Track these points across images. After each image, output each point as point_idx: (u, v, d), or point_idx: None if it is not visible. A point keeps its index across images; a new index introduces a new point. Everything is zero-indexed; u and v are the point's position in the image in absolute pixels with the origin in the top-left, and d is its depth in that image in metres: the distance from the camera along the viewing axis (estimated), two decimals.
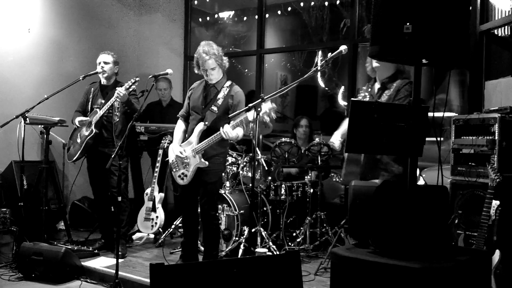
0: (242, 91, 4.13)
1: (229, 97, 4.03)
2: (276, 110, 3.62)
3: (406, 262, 2.28)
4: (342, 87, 6.84)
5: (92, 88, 4.95)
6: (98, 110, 4.75)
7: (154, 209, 5.13)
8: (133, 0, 7.02)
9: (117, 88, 4.56)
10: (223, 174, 4.41)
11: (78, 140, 4.82)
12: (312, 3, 7.06)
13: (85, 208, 5.89)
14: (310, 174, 4.98)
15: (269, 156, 5.05)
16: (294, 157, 5.08)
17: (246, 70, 7.90)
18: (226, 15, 7.94)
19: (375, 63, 3.57)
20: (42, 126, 5.01)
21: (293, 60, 7.82)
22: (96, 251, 4.70)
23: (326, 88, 7.53)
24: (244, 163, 4.89)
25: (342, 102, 6.79)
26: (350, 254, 2.47)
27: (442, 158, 2.87)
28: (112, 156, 3.83)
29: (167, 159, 4.38)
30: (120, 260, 3.82)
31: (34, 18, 5.83)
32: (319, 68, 3.68)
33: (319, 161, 4.90)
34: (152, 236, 5.36)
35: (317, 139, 4.95)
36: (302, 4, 7.19)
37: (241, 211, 4.60)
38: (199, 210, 4.21)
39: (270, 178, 4.95)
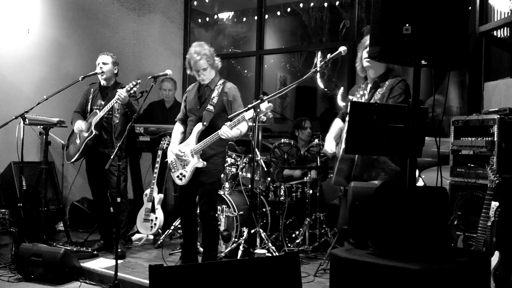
0: (235, 86, 4.17)
1: (223, 94, 4.06)
2: (272, 109, 3.66)
3: (406, 263, 2.27)
4: (342, 88, 6.84)
5: (92, 89, 4.95)
6: (97, 111, 4.74)
7: (153, 210, 5.13)
8: (133, 1, 7.02)
9: (118, 90, 4.55)
10: (221, 174, 4.40)
11: (78, 141, 4.82)
12: (312, 4, 7.06)
13: (84, 209, 5.89)
14: (309, 175, 4.98)
15: (269, 157, 5.05)
16: (293, 158, 5.08)
17: (246, 71, 7.90)
18: (225, 16, 7.95)
19: (365, 63, 3.54)
20: (42, 126, 5.00)
21: (292, 61, 7.82)
22: (95, 252, 4.69)
23: (326, 89, 7.53)
24: (244, 164, 4.89)
25: (341, 103, 6.78)
26: (350, 256, 2.47)
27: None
28: (112, 157, 3.83)
29: (166, 160, 4.39)
30: (119, 261, 3.81)
31: (33, 19, 5.83)
32: (318, 69, 3.68)
33: (319, 162, 4.90)
34: (151, 237, 5.36)
35: (316, 140, 4.95)
36: (301, 5, 7.20)
37: (241, 212, 4.60)
38: (197, 211, 4.22)
39: (269, 179, 4.95)
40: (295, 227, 5.00)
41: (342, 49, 3.48)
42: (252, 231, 4.49)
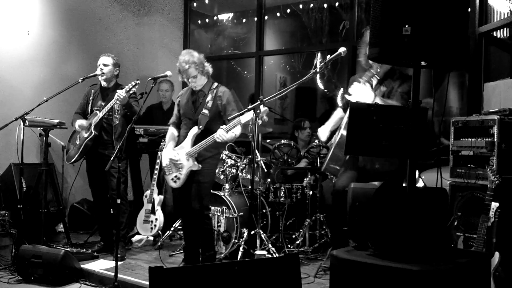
0: (228, 90, 4.23)
1: (218, 98, 4.13)
2: (268, 112, 3.76)
3: (406, 264, 2.27)
4: (341, 89, 6.83)
5: (93, 90, 4.95)
6: (98, 112, 4.75)
7: (153, 211, 5.13)
8: (133, 2, 7.03)
9: (117, 91, 4.56)
10: (215, 175, 4.41)
11: (77, 142, 4.82)
12: (311, 5, 7.07)
13: (84, 211, 5.89)
14: (309, 176, 4.97)
15: (269, 158, 5.05)
16: (293, 159, 5.08)
17: (246, 72, 7.90)
18: (225, 17, 7.95)
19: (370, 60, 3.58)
20: (41, 128, 5.01)
21: (292, 62, 7.82)
22: (95, 253, 4.69)
23: (326, 90, 7.53)
24: (244, 165, 4.89)
25: (341, 104, 6.78)
26: (350, 257, 2.47)
27: None
28: (112, 158, 3.84)
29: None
30: (119, 263, 3.81)
31: (33, 20, 5.83)
32: (318, 70, 3.69)
33: (319, 163, 4.91)
34: (151, 238, 5.36)
35: (316, 141, 4.95)
36: (301, 6, 7.20)
37: (241, 213, 4.60)
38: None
39: (269, 180, 4.95)
40: (295, 228, 5.00)
41: (342, 50, 3.49)
42: (252, 232, 4.49)
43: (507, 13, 4.69)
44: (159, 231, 5.13)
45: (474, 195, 3.71)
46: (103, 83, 4.91)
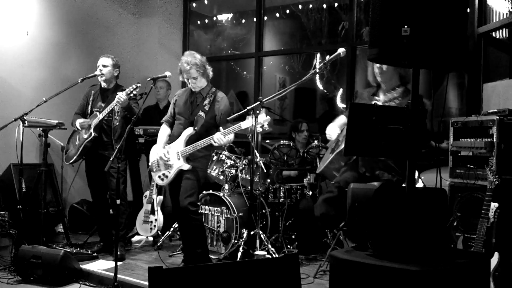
0: (226, 96, 4.31)
1: (216, 103, 4.19)
2: (269, 121, 3.86)
3: (405, 264, 2.27)
4: (341, 90, 6.85)
5: (93, 91, 4.95)
6: (97, 113, 4.75)
7: (153, 211, 5.13)
8: (132, 3, 7.03)
9: (118, 93, 4.56)
10: (205, 174, 4.40)
11: (77, 143, 4.82)
12: (311, 6, 7.07)
13: (84, 211, 5.89)
14: (308, 177, 4.97)
15: (268, 158, 5.05)
16: (293, 159, 5.08)
17: (245, 73, 7.91)
18: (224, 17, 7.95)
19: (379, 77, 3.61)
20: (41, 129, 5.01)
21: (291, 62, 7.83)
22: (95, 254, 4.69)
23: (325, 91, 7.54)
24: (243, 166, 4.89)
25: (340, 105, 6.79)
26: (349, 257, 2.47)
27: None
28: (111, 159, 3.84)
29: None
30: (118, 263, 3.81)
31: (33, 21, 5.83)
32: (317, 70, 3.70)
33: (318, 163, 4.91)
34: (151, 238, 5.36)
35: (316, 142, 4.95)
36: (300, 7, 7.21)
37: (240, 214, 4.60)
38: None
39: (269, 180, 4.95)
40: (294, 228, 5.00)
41: (341, 50, 3.49)
42: (252, 232, 4.49)
43: (506, 13, 4.69)
44: (159, 232, 5.13)
45: (474, 195, 3.71)
46: (103, 84, 4.91)
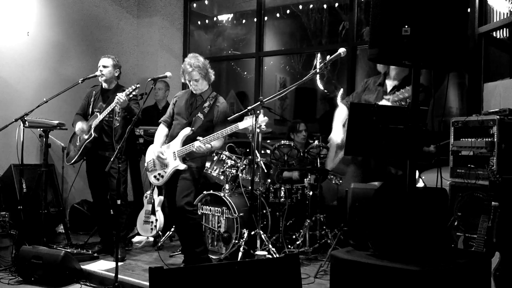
0: (226, 102, 4.33)
1: (215, 107, 4.21)
2: (267, 122, 3.88)
3: (406, 264, 2.28)
4: (341, 90, 6.85)
5: (94, 92, 4.96)
6: (98, 114, 4.75)
7: (153, 212, 5.13)
8: (132, 3, 7.03)
9: (117, 94, 4.56)
10: (202, 173, 4.38)
11: (78, 143, 4.83)
12: (311, 6, 7.07)
13: (84, 212, 5.89)
14: (309, 177, 4.97)
15: (269, 158, 5.05)
16: (293, 159, 5.08)
17: (245, 73, 7.91)
18: (225, 18, 7.96)
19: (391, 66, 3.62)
20: (41, 129, 5.01)
21: (292, 62, 7.83)
22: (95, 254, 4.69)
23: (325, 91, 7.54)
24: (244, 166, 4.89)
25: (341, 104, 6.78)
26: (350, 257, 2.47)
27: None
28: (112, 159, 3.84)
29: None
30: (119, 263, 3.82)
31: (33, 21, 5.84)
32: (318, 70, 3.69)
33: (318, 164, 4.91)
34: (151, 239, 5.36)
35: (316, 142, 4.95)
36: (300, 7, 7.21)
37: (241, 214, 4.60)
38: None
39: (269, 180, 4.95)
40: (295, 228, 5.00)
41: (342, 50, 3.49)
42: (253, 232, 4.49)
43: (507, 13, 4.69)
44: (159, 232, 5.12)
45: (474, 195, 3.70)
46: (104, 85, 4.91)
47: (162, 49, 7.19)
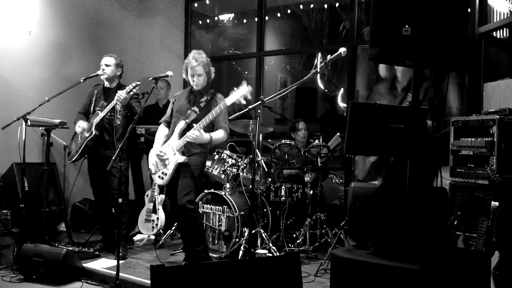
0: (224, 98, 4.29)
1: (214, 102, 4.21)
2: (251, 92, 3.88)
3: (406, 263, 2.29)
4: (342, 89, 6.86)
5: (96, 90, 4.97)
6: (99, 112, 4.76)
7: (154, 210, 5.14)
8: (134, 3, 7.04)
9: (118, 92, 4.58)
10: (202, 172, 4.39)
11: (79, 141, 4.84)
12: (312, 6, 7.09)
13: (86, 210, 5.91)
14: (309, 176, 4.99)
15: (269, 157, 5.07)
16: (294, 158, 5.10)
17: (246, 72, 7.92)
18: (226, 17, 7.97)
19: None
20: (43, 128, 5.02)
21: (292, 62, 7.84)
22: (97, 252, 4.70)
23: (326, 90, 7.55)
24: (244, 165, 4.91)
25: (341, 104, 6.81)
26: (350, 256, 2.48)
27: None
28: (113, 158, 3.85)
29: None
30: (120, 262, 3.83)
31: (35, 21, 5.85)
32: (318, 70, 3.70)
33: (319, 163, 4.92)
34: (152, 237, 5.37)
35: (316, 141, 4.96)
36: (301, 7, 7.22)
37: (241, 213, 4.62)
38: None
39: (270, 179, 4.96)
40: (295, 227, 5.01)
41: (342, 50, 3.50)
42: (253, 231, 4.50)
43: (507, 13, 4.70)
44: (161, 230, 5.14)
45: (474, 194, 3.72)
46: (106, 83, 4.93)
47: (163, 49, 7.20)
